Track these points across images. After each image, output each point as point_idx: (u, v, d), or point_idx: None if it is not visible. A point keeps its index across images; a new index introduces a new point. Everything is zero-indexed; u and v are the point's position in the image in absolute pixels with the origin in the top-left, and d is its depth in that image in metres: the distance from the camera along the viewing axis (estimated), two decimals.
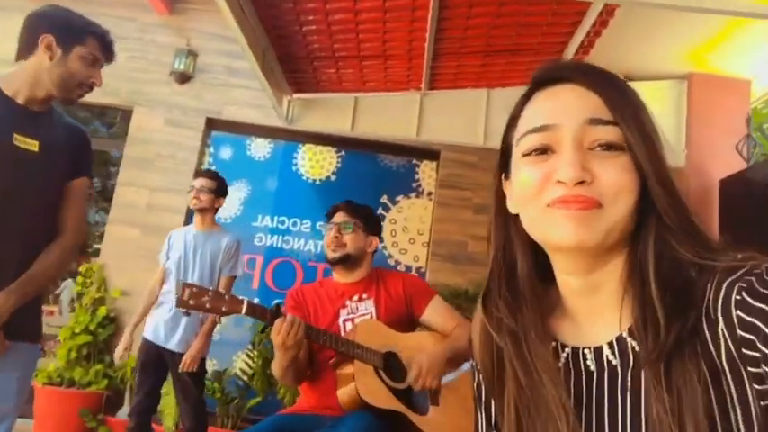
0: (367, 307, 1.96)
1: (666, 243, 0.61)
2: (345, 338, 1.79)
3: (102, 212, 5.26)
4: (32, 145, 1.52)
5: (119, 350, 3.01)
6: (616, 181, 0.60)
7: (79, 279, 4.38)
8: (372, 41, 3.61)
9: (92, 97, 5.53)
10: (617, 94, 0.63)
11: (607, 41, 3.56)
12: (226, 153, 4.85)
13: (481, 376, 0.72)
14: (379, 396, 1.74)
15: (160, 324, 2.94)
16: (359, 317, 1.94)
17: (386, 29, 3.48)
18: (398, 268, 4.63)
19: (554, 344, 0.67)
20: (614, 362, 0.63)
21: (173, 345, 2.92)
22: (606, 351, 0.64)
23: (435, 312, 1.97)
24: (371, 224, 2.09)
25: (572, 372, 0.65)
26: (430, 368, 1.77)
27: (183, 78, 4.65)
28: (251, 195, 4.75)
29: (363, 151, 4.84)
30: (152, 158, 4.63)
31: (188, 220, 4.60)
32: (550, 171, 0.62)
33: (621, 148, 0.61)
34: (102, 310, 4.25)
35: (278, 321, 1.67)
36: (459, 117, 4.22)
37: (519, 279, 0.69)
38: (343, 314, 1.95)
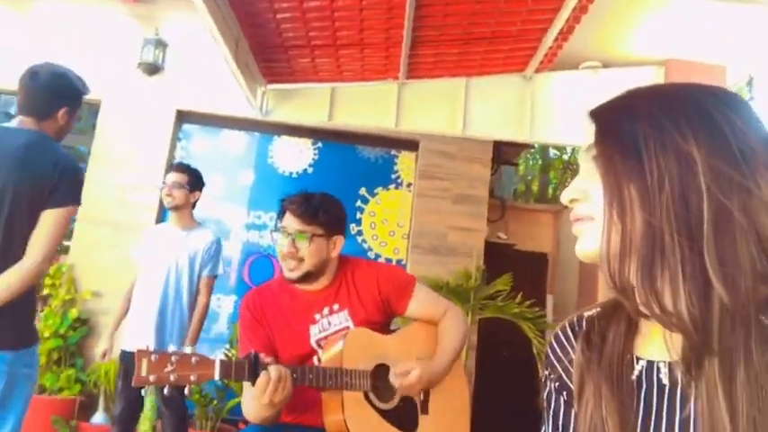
0: (341, 321, 1.76)
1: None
2: (332, 370, 1.61)
3: None
4: None
5: (98, 354, 2.86)
6: (603, 192, 0.63)
7: (47, 281, 4.20)
8: (349, 29, 3.52)
9: None
10: (608, 107, 0.67)
11: (586, 28, 3.53)
12: (198, 147, 4.70)
13: (555, 385, 0.74)
14: (371, 428, 1.64)
15: (141, 334, 2.75)
16: (333, 333, 1.74)
17: (363, 16, 3.39)
18: (379, 261, 4.57)
19: (628, 356, 0.68)
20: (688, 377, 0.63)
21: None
22: (682, 366, 0.63)
23: (419, 306, 1.83)
24: (333, 224, 1.76)
25: (644, 385, 0.65)
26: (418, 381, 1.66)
27: (152, 69, 4.47)
28: (225, 190, 4.62)
29: (341, 142, 4.74)
30: (122, 154, 4.45)
31: (161, 218, 4.46)
32: None
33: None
34: (73, 313, 4.10)
35: (261, 380, 1.43)
36: (437, 106, 4.17)
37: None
38: (314, 332, 1.75)
